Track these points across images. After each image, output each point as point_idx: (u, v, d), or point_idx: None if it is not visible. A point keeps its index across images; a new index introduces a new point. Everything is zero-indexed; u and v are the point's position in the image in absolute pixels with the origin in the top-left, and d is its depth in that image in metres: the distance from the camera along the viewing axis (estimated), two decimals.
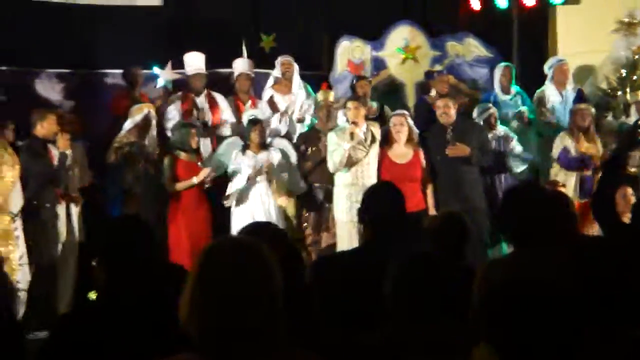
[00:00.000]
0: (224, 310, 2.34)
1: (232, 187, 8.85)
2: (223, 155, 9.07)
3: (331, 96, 9.53)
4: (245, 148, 8.95)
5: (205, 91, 10.04)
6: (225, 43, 10.57)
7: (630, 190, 7.91)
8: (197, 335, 2.36)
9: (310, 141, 9.15)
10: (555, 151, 9.46)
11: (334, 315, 3.75)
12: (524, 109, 10.13)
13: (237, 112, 10.05)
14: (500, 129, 9.67)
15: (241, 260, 2.41)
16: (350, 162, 8.60)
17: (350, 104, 8.74)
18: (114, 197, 8.87)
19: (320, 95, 9.51)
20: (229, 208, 8.90)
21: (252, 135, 8.95)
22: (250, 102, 10.15)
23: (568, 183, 9.24)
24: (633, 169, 8.86)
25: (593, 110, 9.62)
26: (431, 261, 3.41)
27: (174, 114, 9.79)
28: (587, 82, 10.94)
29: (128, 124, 8.98)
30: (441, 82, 10.24)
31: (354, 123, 8.61)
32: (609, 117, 10.34)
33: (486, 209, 8.88)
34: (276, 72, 10.37)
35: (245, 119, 9.38)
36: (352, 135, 8.56)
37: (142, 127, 9.00)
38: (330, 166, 8.71)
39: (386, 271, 3.42)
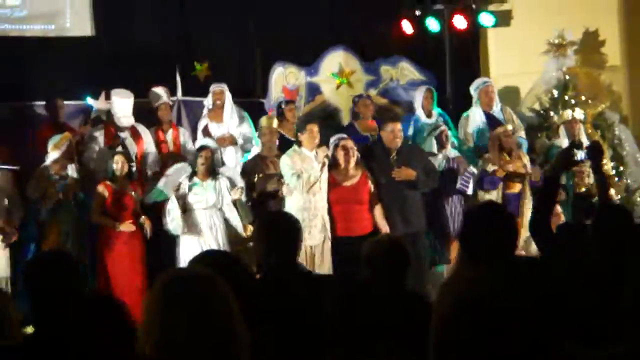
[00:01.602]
0: (189, 344, 2.28)
1: (170, 214, 8.75)
2: (168, 184, 8.94)
3: (275, 122, 9.51)
4: (193, 175, 8.89)
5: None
6: (160, 72, 10.52)
7: (559, 209, 8.02)
8: None
9: (257, 169, 9.10)
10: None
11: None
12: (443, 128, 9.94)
13: (158, 142, 9.94)
14: (452, 151, 9.69)
15: (201, 291, 2.36)
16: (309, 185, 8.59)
17: (311, 127, 8.76)
18: (32, 231, 8.84)
19: (264, 122, 9.48)
20: (170, 236, 8.84)
21: (198, 161, 8.89)
22: (172, 130, 10.07)
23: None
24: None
25: (510, 127, 9.75)
26: (362, 289, 3.39)
27: (96, 145, 9.68)
28: (520, 104, 11.08)
29: (52, 156, 8.84)
30: (364, 106, 10.29)
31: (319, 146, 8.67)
32: (543, 138, 10.47)
33: (425, 231, 8.92)
34: (208, 102, 10.31)
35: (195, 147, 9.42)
36: (326, 157, 8.59)
37: (67, 158, 8.88)
38: (297, 186, 8.59)
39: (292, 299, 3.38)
